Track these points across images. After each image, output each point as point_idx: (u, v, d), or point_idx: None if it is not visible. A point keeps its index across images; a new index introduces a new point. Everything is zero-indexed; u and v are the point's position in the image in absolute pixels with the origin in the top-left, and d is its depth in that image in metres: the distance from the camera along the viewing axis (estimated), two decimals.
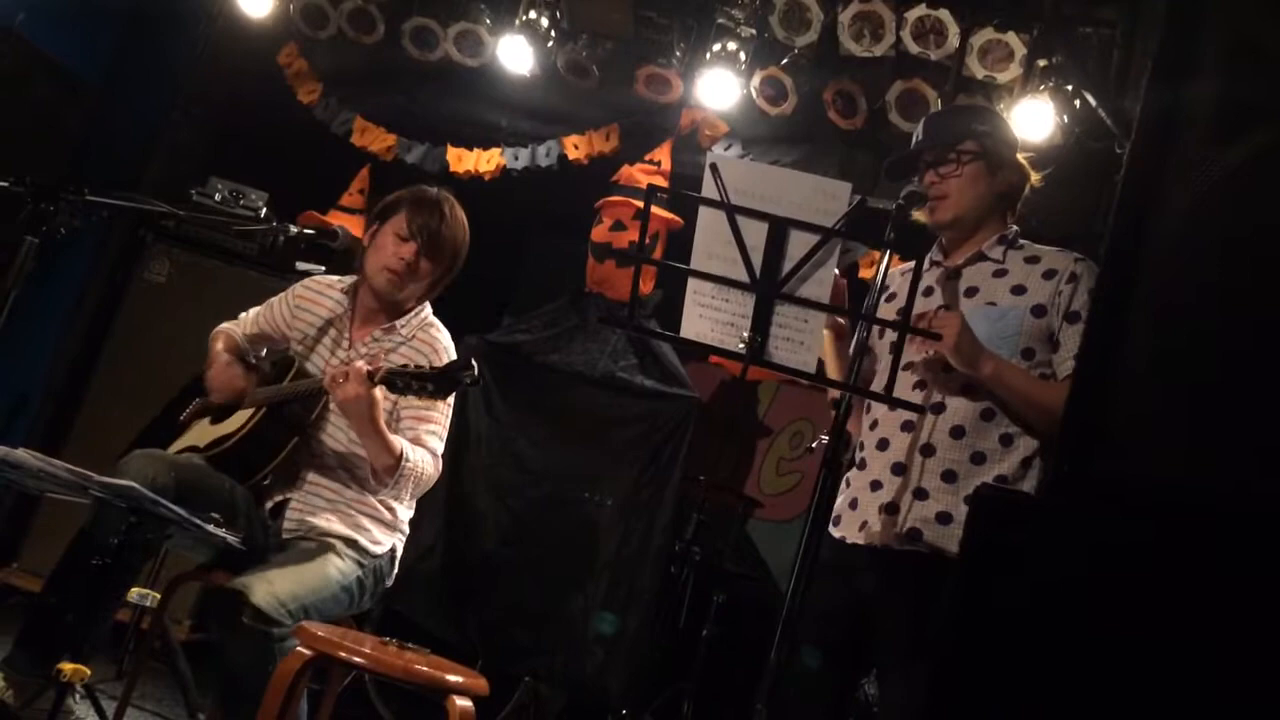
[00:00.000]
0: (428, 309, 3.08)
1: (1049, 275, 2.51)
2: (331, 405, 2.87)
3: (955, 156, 2.58)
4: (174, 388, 3.25)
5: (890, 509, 2.48)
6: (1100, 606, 1.03)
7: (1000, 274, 2.56)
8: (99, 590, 2.60)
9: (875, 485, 2.54)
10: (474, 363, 2.58)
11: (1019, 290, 2.52)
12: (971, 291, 2.57)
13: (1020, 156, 2.67)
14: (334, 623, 2.72)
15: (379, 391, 2.65)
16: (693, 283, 2.24)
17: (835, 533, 2.58)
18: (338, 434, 2.91)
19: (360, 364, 2.66)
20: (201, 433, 3.00)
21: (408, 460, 2.75)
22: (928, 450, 2.48)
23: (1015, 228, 2.65)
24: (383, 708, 4.24)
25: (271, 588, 2.55)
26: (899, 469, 2.50)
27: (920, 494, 2.46)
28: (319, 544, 2.82)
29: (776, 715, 2.11)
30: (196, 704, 3.45)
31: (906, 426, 2.52)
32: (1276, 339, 0.91)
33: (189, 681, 3.50)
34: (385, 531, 2.94)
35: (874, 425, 2.60)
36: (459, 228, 3.02)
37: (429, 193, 3.03)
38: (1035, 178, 2.67)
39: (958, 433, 2.46)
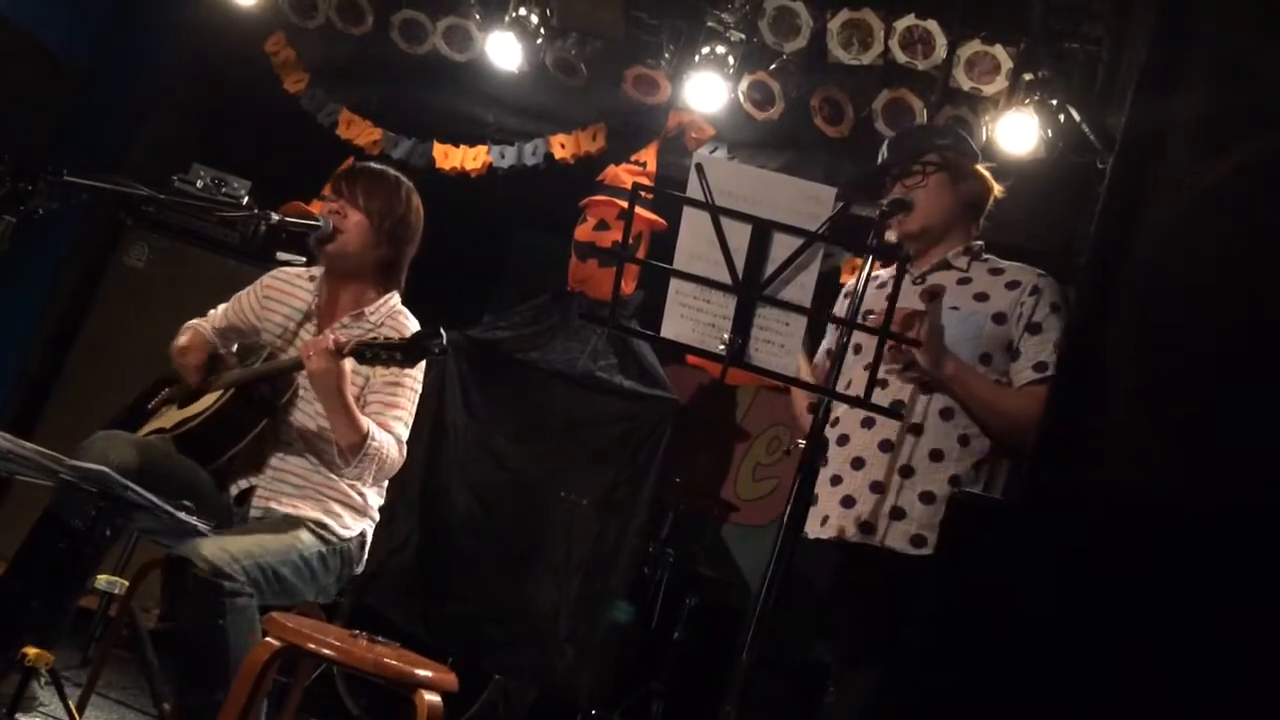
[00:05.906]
0: (395, 298, 3.05)
1: (1012, 286, 2.61)
2: (302, 386, 2.87)
3: (920, 168, 2.67)
4: (149, 372, 3.23)
5: (847, 502, 2.55)
6: (1074, 614, 1.03)
7: (964, 282, 2.65)
8: (63, 574, 2.57)
9: (835, 480, 2.60)
10: (441, 330, 2.58)
11: (981, 297, 2.61)
12: (935, 296, 2.62)
13: (982, 168, 2.75)
14: (302, 614, 2.70)
15: (348, 365, 2.65)
16: (675, 283, 2.24)
17: None
18: (306, 414, 2.90)
19: (329, 335, 2.67)
20: (168, 417, 2.98)
21: (373, 439, 2.75)
22: (887, 446, 2.54)
23: (979, 242, 2.74)
24: (351, 701, 4.21)
25: (222, 544, 2.54)
26: (859, 464, 2.56)
27: (877, 488, 2.52)
28: (284, 519, 2.82)
29: (745, 718, 2.12)
30: (162, 693, 3.42)
31: (867, 423, 2.58)
32: (1259, 350, 0.91)
33: (155, 670, 3.46)
34: (355, 516, 2.93)
35: (835, 422, 2.65)
36: (384, 176, 3.03)
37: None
38: (998, 189, 2.77)
39: (917, 430, 2.53)
